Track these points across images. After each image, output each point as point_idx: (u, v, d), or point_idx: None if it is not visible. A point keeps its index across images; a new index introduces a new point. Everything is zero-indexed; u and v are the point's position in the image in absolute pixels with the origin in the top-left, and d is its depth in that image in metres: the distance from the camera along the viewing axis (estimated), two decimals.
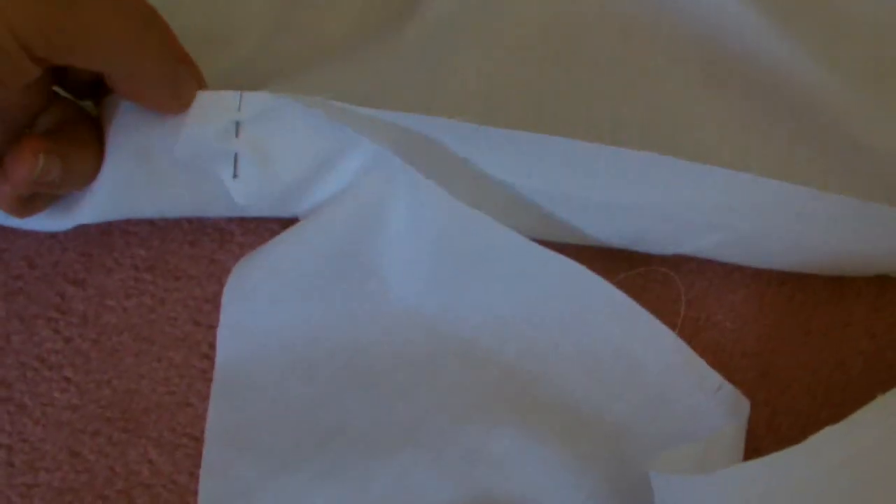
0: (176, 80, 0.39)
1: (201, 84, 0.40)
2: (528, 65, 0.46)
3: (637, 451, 0.41)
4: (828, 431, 0.35)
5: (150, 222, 0.45)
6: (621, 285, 0.41)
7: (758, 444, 0.42)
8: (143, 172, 0.41)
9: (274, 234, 0.44)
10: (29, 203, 0.40)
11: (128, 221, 0.45)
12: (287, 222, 0.44)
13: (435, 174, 0.40)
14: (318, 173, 0.42)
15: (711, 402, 0.41)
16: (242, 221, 0.45)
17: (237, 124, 0.40)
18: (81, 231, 0.44)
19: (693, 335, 0.43)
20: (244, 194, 0.41)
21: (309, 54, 0.46)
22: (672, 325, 0.42)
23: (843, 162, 0.45)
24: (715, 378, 0.41)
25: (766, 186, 0.40)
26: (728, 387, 0.41)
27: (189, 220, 0.45)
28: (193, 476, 0.41)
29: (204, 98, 0.40)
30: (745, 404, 0.40)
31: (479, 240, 0.41)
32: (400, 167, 0.41)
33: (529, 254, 0.41)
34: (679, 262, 0.44)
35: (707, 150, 0.45)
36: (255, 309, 0.43)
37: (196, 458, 0.42)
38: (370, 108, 0.40)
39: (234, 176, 0.41)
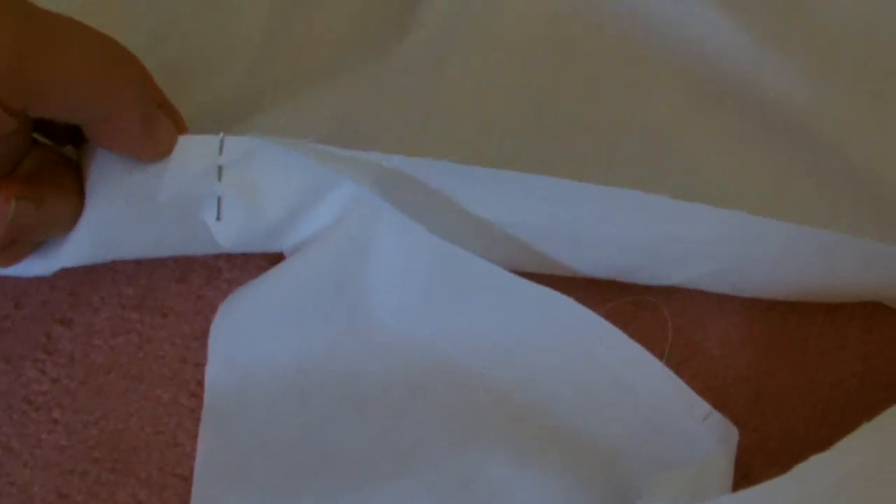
0: (153, 127, 0.38)
1: (181, 127, 0.40)
2: (517, 87, 0.46)
3: (631, 477, 0.41)
4: (815, 459, 0.34)
5: (137, 261, 0.45)
6: (609, 315, 0.41)
7: (749, 470, 0.41)
8: (126, 216, 0.40)
9: (261, 269, 0.44)
10: (9, 250, 0.39)
11: (114, 261, 0.45)
12: (275, 258, 0.44)
13: (419, 212, 0.40)
14: (301, 211, 0.42)
15: (700, 429, 0.40)
16: (230, 258, 0.45)
17: (219, 167, 0.40)
18: (68, 270, 0.43)
19: (682, 362, 0.43)
20: (228, 236, 0.41)
21: (299, 77, 0.46)
22: (660, 353, 0.41)
23: (838, 184, 0.44)
24: (703, 406, 0.41)
25: (752, 221, 0.39)
26: (716, 415, 0.40)
27: (175, 258, 0.45)
28: None
29: (185, 142, 0.40)
30: (733, 432, 0.40)
31: (467, 276, 0.42)
32: (384, 208, 0.40)
33: (518, 288, 0.41)
34: (667, 290, 0.44)
35: (700, 174, 0.45)
36: (244, 343, 0.42)
37: (185, 497, 0.41)
38: (354, 137, 0.40)
39: (218, 218, 0.41)
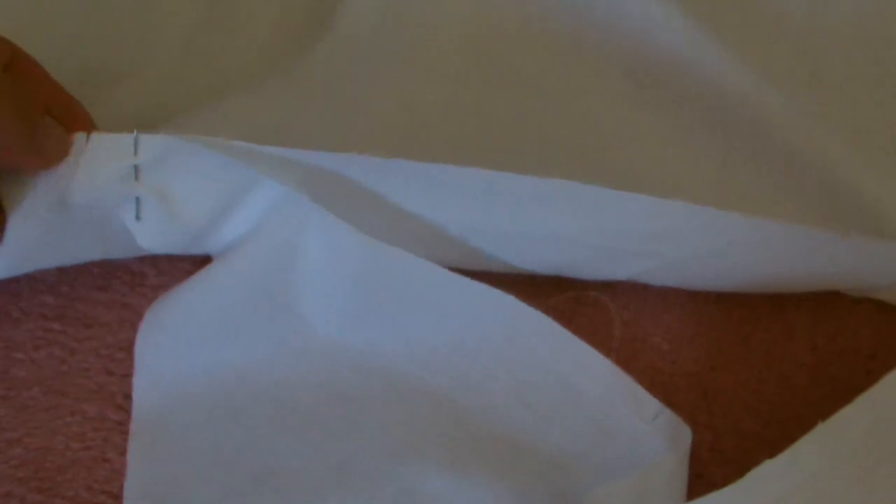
0: (34, 138, 0.36)
1: (85, 125, 0.38)
2: (447, 86, 0.44)
3: (577, 482, 0.39)
4: (768, 465, 0.33)
5: (58, 268, 0.43)
6: (552, 310, 0.40)
7: (702, 468, 0.40)
8: (44, 224, 0.38)
9: (188, 274, 0.42)
10: None
11: None
12: (202, 262, 0.42)
13: (347, 210, 0.38)
14: (225, 213, 0.40)
15: (650, 428, 0.39)
16: (155, 262, 0.43)
17: (136, 167, 0.38)
18: None
19: (630, 358, 0.42)
20: (149, 238, 0.39)
21: (218, 84, 0.45)
22: (607, 349, 0.40)
23: (780, 172, 0.43)
24: (653, 404, 0.39)
25: (694, 213, 0.38)
26: (667, 413, 0.39)
27: (98, 264, 0.43)
28: None
29: (98, 141, 0.38)
30: (686, 431, 0.39)
31: (399, 274, 0.40)
32: (309, 208, 0.39)
33: (453, 285, 0.39)
34: (611, 284, 0.42)
35: (637, 168, 0.44)
36: (171, 355, 0.41)
37: None
38: (276, 144, 0.38)
39: (137, 218, 0.39)
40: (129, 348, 0.41)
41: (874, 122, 0.45)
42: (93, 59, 0.43)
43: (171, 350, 0.41)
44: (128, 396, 0.41)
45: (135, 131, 0.38)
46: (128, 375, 0.41)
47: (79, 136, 0.38)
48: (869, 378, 0.36)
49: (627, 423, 0.39)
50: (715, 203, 0.38)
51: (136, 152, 0.38)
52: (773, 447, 0.34)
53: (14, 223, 0.38)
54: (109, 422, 0.41)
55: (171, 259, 0.43)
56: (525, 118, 0.44)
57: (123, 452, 0.40)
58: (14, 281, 0.42)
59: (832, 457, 0.34)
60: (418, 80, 0.44)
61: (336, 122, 0.42)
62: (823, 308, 0.42)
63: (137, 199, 0.38)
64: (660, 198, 0.38)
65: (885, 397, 0.35)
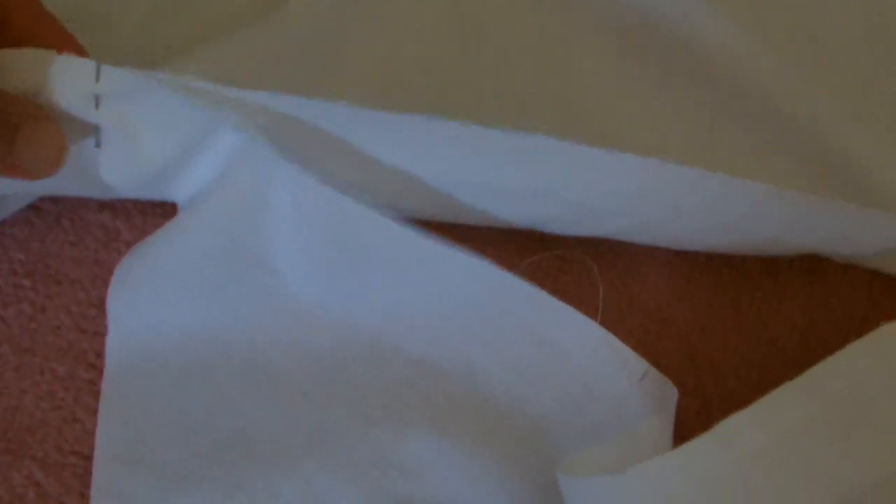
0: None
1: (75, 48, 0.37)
2: (428, 42, 0.43)
3: (561, 446, 0.38)
4: (737, 418, 0.32)
5: (29, 223, 0.41)
6: (534, 268, 0.38)
7: (688, 433, 0.38)
8: None
9: None
10: None
11: (3, 222, 0.41)
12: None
13: (317, 161, 0.37)
14: (188, 154, 0.38)
15: (637, 390, 0.38)
16: (128, 217, 0.42)
17: (96, 96, 0.36)
18: None
19: (615, 319, 0.41)
20: (110, 169, 0.38)
21: (193, 35, 0.43)
22: (593, 310, 0.39)
23: (767, 136, 0.42)
24: (640, 364, 0.38)
25: (678, 173, 0.37)
26: (654, 373, 0.38)
27: (70, 219, 0.42)
28: (84, 497, 0.38)
29: (60, 62, 0.36)
30: (672, 392, 0.38)
31: (372, 236, 0.38)
32: (275, 161, 0.37)
33: (427, 250, 0.38)
34: (595, 242, 0.41)
35: (621, 127, 0.42)
36: (142, 311, 0.39)
37: (86, 478, 0.38)
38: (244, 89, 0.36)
39: (97, 146, 0.37)
40: (100, 305, 0.40)
41: (870, 89, 0.44)
42: (69, 6, 0.41)
43: (140, 306, 0.39)
44: (99, 355, 0.40)
45: (97, 59, 0.36)
46: (99, 333, 0.40)
47: (48, 54, 0.36)
48: None
49: (613, 384, 0.38)
50: (700, 163, 0.37)
51: (97, 80, 0.36)
52: None
53: None
54: (80, 381, 0.40)
55: (145, 215, 0.42)
56: (506, 74, 0.43)
57: (94, 412, 0.39)
58: None
59: (806, 413, 0.33)
60: (397, 37, 0.43)
61: (313, 74, 0.41)
62: (816, 271, 0.41)
63: (97, 127, 0.37)
64: (641, 157, 0.36)
65: (859, 357, 0.34)
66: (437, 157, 0.37)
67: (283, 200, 0.38)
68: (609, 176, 0.37)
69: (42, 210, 0.42)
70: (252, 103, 0.36)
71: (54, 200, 0.42)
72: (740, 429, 0.33)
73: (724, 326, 0.41)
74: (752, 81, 0.43)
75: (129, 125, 0.37)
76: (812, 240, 0.39)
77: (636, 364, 0.38)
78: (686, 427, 0.39)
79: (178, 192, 0.39)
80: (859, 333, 0.39)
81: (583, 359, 0.39)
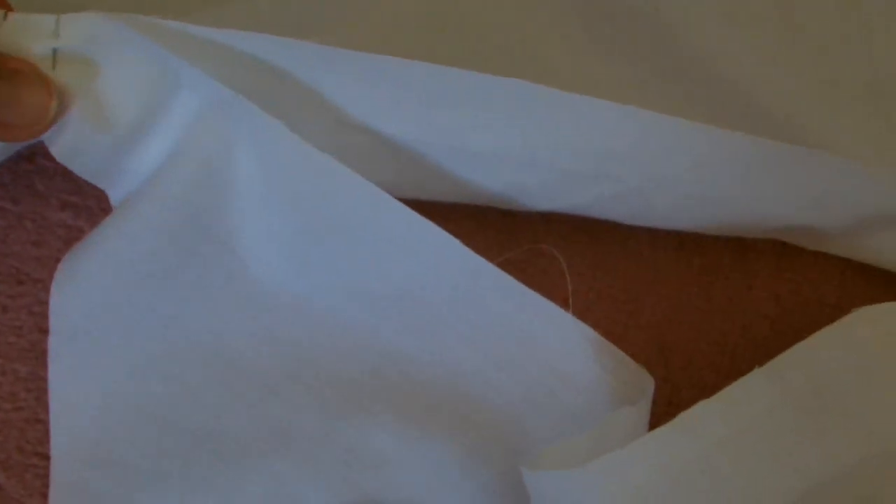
0: None
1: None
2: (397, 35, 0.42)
3: (533, 437, 0.37)
4: (701, 407, 0.32)
5: None
6: (505, 265, 0.38)
7: (659, 423, 0.38)
8: None
9: None
10: None
11: None
12: None
13: (286, 114, 0.35)
14: (150, 119, 0.36)
15: (610, 379, 0.37)
16: (91, 216, 0.41)
17: (54, 52, 0.35)
18: None
19: (584, 310, 0.40)
20: (60, 140, 0.36)
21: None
22: (560, 301, 0.38)
23: (738, 124, 0.41)
24: (614, 353, 0.37)
25: (658, 123, 0.36)
26: (629, 362, 0.37)
27: (32, 219, 0.41)
28: (46, 499, 0.38)
29: (15, 22, 0.34)
30: (648, 380, 0.37)
31: (345, 200, 0.37)
32: (242, 109, 0.35)
33: (402, 218, 0.36)
34: (567, 234, 0.41)
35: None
36: (92, 305, 0.37)
37: (49, 479, 0.38)
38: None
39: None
40: None
41: (844, 73, 0.43)
42: None
43: (89, 299, 0.37)
44: None
45: (56, 15, 0.35)
46: None
47: None
48: None
49: (586, 373, 0.38)
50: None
51: (57, 34, 0.35)
52: None
53: None
54: (43, 381, 0.39)
55: (108, 213, 0.41)
56: (473, 66, 0.42)
57: None
58: None
59: (771, 401, 0.33)
60: (343, 30, 0.42)
61: (297, 24, 0.40)
62: (785, 257, 0.41)
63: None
64: (620, 105, 0.36)
65: (829, 344, 0.34)
66: (410, 111, 0.36)
67: (250, 161, 0.37)
68: (582, 130, 0.36)
69: (4, 210, 0.41)
70: (220, 46, 0.35)
71: (16, 200, 0.41)
72: (705, 417, 0.33)
73: (695, 316, 0.40)
74: (725, 71, 0.42)
75: (86, 85, 0.35)
76: (789, 208, 0.38)
77: (610, 352, 0.38)
78: (657, 417, 0.38)
79: (132, 171, 0.37)
80: (831, 320, 0.39)
81: (556, 349, 0.38)
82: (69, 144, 0.36)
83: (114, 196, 0.38)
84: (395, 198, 0.36)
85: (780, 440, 0.33)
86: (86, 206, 0.41)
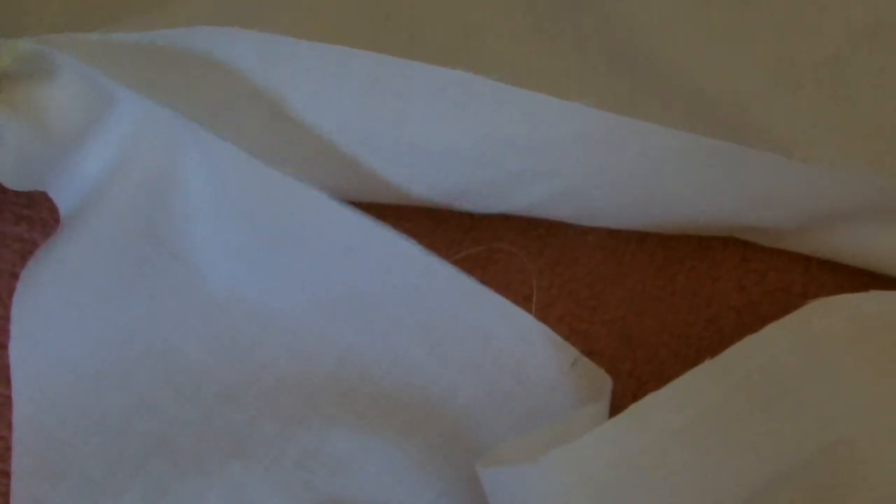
0: None
1: None
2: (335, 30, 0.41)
3: (491, 438, 0.37)
4: (653, 398, 0.31)
5: None
6: (462, 263, 0.37)
7: None
8: None
9: None
10: None
11: None
12: None
13: (221, 111, 0.36)
14: (86, 135, 0.37)
15: (568, 379, 0.37)
16: (45, 229, 0.41)
17: None
18: None
19: (547, 307, 0.40)
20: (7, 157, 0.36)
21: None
22: (521, 299, 0.38)
23: (687, 113, 0.41)
24: (570, 352, 0.37)
25: (601, 120, 0.35)
26: (586, 362, 0.37)
27: None
28: None
29: None
30: (605, 379, 0.37)
31: (291, 207, 0.36)
32: (175, 118, 0.35)
33: (352, 223, 0.36)
34: (527, 229, 0.40)
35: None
36: (49, 316, 0.38)
37: (9, 498, 0.37)
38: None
39: None
40: None
41: (798, 56, 0.42)
42: None
43: (47, 311, 0.38)
44: None
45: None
46: None
47: None
48: None
49: (543, 373, 0.37)
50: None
51: None
52: None
53: None
54: (1, 397, 0.39)
55: None
56: (417, 56, 0.41)
57: None
58: None
59: (725, 391, 0.32)
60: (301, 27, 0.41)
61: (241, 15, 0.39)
62: (751, 248, 0.40)
63: None
64: (567, 101, 0.35)
65: (783, 335, 0.34)
66: (348, 103, 0.36)
67: (193, 172, 0.37)
68: (523, 124, 0.36)
69: None
70: (152, 48, 0.35)
71: None
72: (657, 408, 0.32)
73: (660, 308, 0.40)
74: (673, 57, 0.41)
75: (25, 106, 0.35)
76: (739, 207, 0.38)
77: (566, 351, 0.37)
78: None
79: (77, 185, 0.38)
80: (797, 308, 0.38)
81: (511, 347, 0.37)
82: (7, 163, 0.36)
83: (62, 209, 0.38)
84: (344, 200, 0.36)
85: (736, 430, 0.33)
86: (40, 218, 0.41)
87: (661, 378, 0.39)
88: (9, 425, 0.38)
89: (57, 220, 0.41)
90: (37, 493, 0.37)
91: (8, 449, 0.38)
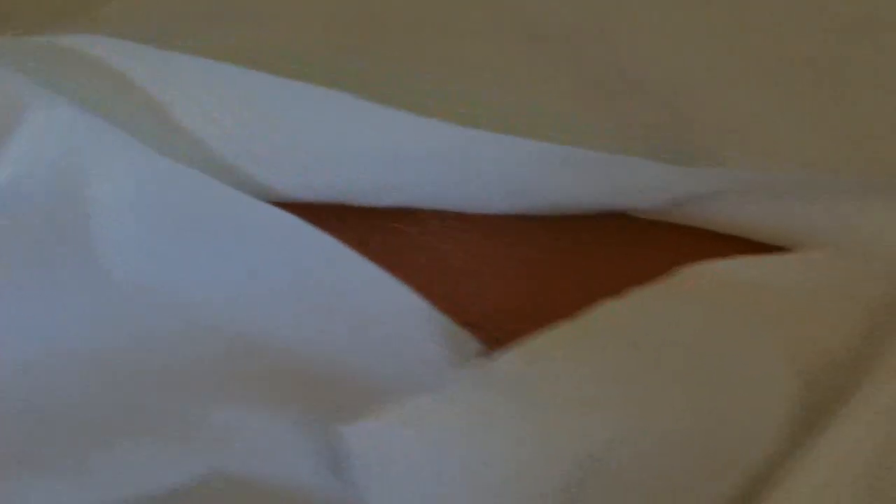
0: None
1: None
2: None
3: (368, 404, 0.38)
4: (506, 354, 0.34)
5: None
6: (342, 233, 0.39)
7: None
8: None
9: None
10: None
11: None
12: None
13: (127, 120, 0.38)
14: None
15: (442, 349, 0.38)
16: None
17: None
18: None
19: (429, 283, 0.40)
20: None
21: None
22: (407, 277, 0.39)
23: (629, 111, 0.41)
24: (446, 324, 0.38)
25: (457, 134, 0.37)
26: (459, 331, 0.38)
27: None
28: None
29: None
30: (474, 345, 0.37)
31: (193, 198, 0.39)
32: (86, 118, 0.38)
33: (243, 207, 0.39)
34: (425, 218, 0.41)
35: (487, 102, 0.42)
36: None
37: None
38: None
39: None
40: None
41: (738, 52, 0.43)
42: None
43: None
44: None
45: None
46: None
47: None
48: None
49: (422, 347, 0.38)
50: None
51: None
52: None
53: None
54: None
55: None
56: (375, 54, 0.43)
57: None
58: None
59: (578, 353, 0.33)
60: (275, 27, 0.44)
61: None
62: (639, 224, 0.40)
63: None
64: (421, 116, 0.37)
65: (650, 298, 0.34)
66: (222, 114, 0.38)
67: (97, 168, 0.39)
68: (378, 134, 0.37)
69: None
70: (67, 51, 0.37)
71: None
72: (508, 364, 0.33)
73: (550, 287, 0.40)
74: (624, 53, 0.42)
75: None
76: (595, 199, 0.38)
77: (443, 324, 0.38)
78: None
79: None
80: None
81: (390, 322, 0.39)
82: None
83: None
84: None
85: (587, 390, 0.33)
86: None
87: None
88: None
89: None
90: None
91: None
